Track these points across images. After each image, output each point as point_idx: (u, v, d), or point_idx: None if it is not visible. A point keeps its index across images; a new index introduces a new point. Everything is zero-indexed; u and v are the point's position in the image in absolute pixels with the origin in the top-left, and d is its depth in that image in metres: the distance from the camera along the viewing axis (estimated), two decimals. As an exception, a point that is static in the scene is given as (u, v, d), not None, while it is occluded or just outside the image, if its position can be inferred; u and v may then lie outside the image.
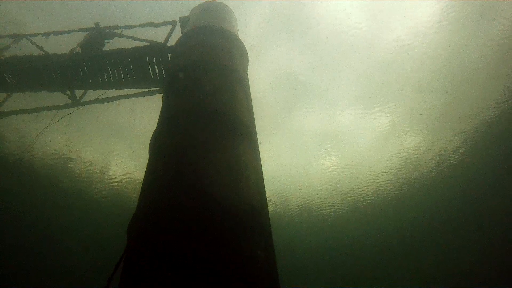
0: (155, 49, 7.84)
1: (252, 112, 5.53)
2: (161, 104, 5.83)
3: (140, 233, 3.29)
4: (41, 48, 8.82)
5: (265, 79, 23.97)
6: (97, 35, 8.86)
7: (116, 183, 22.75)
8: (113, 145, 22.61)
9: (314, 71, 24.43)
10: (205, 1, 9.39)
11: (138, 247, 3.12)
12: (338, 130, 24.60)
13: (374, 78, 23.38)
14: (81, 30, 9.88)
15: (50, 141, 19.69)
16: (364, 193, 25.73)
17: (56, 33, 10.11)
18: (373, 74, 23.40)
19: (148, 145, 4.88)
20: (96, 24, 9.39)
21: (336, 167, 25.17)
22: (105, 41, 9.02)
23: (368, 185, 25.35)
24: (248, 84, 6.25)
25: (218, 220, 3.18)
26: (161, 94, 8.50)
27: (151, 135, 4.94)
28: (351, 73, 24.10)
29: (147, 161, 4.60)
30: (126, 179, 22.78)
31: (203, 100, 4.89)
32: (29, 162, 19.82)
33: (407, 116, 23.19)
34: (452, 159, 23.60)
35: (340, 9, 23.31)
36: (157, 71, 8.15)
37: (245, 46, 7.19)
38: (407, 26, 21.63)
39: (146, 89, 8.64)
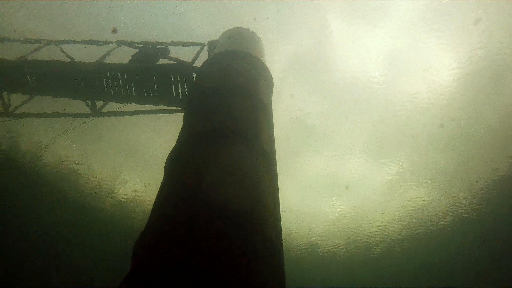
0: (182, 68, 7.83)
1: (274, 140, 5.41)
2: (177, 124, 5.75)
3: (151, 250, 3.12)
4: (68, 55, 8.90)
5: (277, 119, 24.08)
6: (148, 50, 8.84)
7: (123, 200, 22.63)
8: (123, 162, 22.62)
9: (326, 116, 24.58)
10: (235, 27, 9.46)
11: (149, 264, 2.96)
12: (346, 176, 24.50)
13: (387, 127, 23.44)
14: (106, 42, 10.01)
15: (62, 149, 19.77)
16: (370, 239, 25.22)
17: (84, 42, 10.24)
18: (385, 123, 23.47)
19: (164, 163, 4.76)
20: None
21: (342, 211, 24.92)
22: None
23: (374, 232, 24.89)
24: (271, 112, 6.16)
25: (235, 244, 3.04)
26: (179, 114, 8.51)
27: (165, 155, 4.85)
28: (363, 122, 24.20)
29: (161, 180, 4.47)
30: (133, 197, 22.68)
31: (226, 122, 4.79)
32: (38, 167, 19.84)
33: (418, 167, 23.03)
34: (464, 211, 23.16)
35: (359, 59, 23.72)
36: (180, 90, 8.13)
37: (272, 74, 7.15)
38: (424, 81, 21.84)
39: (166, 107, 8.61)
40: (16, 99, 10.23)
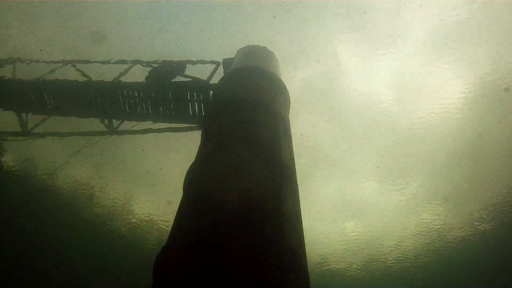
0: (198, 85, 7.84)
1: (293, 153, 5.34)
2: (194, 141, 5.72)
3: (173, 266, 3.07)
4: (84, 73, 8.99)
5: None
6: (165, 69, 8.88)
7: (134, 222, 22.60)
8: (137, 183, 22.70)
9: (336, 141, 24.58)
10: (250, 45, 9.49)
11: (171, 279, 2.89)
12: (357, 199, 24.40)
13: (397, 152, 23.41)
14: (122, 62, 10.11)
15: (78, 169, 19.92)
16: (386, 257, 24.82)
17: (100, 62, 10.37)
18: (396, 149, 23.45)
19: (184, 180, 4.71)
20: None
21: (356, 232, 24.69)
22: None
23: (390, 250, 24.51)
24: (289, 126, 6.11)
25: (259, 259, 2.96)
26: (195, 132, 8.49)
27: (182, 173, 4.81)
28: (373, 147, 24.17)
29: (180, 198, 4.41)
30: (146, 219, 22.67)
31: (245, 136, 4.75)
32: (54, 187, 19.95)
33: (430, 191, 22.93)
34: (480, 231, 22.86)
35: (369, 84, 23.84)
36: (196, 107, 8.12)
37: (288, 89, 7.12)
38: (433, 107, 21.88)
39: (182, 125, 8.60)
40: (33, 118, 10.34)
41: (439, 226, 23.37)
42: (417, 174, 23.08)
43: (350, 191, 24.54)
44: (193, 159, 5.01)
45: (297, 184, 4.72)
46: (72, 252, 19.64)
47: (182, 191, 4.59)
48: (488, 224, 22.57)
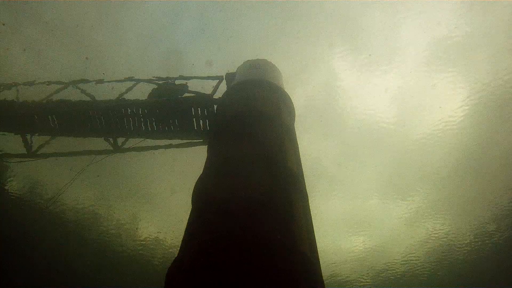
0: (202, 100, 7.85)
1: (301, 163, 5.32)
2: (199, 156, 5.71)
3: (184, 278, 3.03)
4: (87, 94, 9.02)
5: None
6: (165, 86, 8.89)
7: (142, 244, 22.49)
8: (143, 203, 22.66)
9: (340, 162, 24.59)
10: (252, 59, 9.53)
11: None
12: (363, 214, 24.35)
13: (401, 166, 23.43)
14: (125, 80, 10.11)
15: (83, 190, 19.88)
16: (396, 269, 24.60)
17: (102, 81, 10.38)
18: (400, 163, 23.49)
19: (192, 193, 4.70)
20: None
21: (361, 247, 24.61)
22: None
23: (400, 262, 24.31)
24: (296, 136, 6.09)
25: (270, 264, 2.92)
26: (201, 147, 8.48)
27: (189, 189, 4.81)
28: (377, 163, 24.17)
29: (189, 212, 4.39)
30: (153, 237, 22.56)
31: (251, 147, 4.73)
32: (58, 209, 19.87)
33: (435, 203, 22.93)
34: (489, 241, 22.69)
35: (370, 101, 23.95)
36: (201, 122, 8.11)
37: (292, 100, 7.12)
38: (436, 118, 22.00)
39: (187, 140, 8.59)
40: (36, 140, 10.34)
41: (446, 235, 23.25)
42: (421, 187, 23.06)
43: (355, 206, 24.51)
44: (200, 173, 4.99)
45: (306, 192, 4.70)
46: (78, 274, 19.47)
47: (190, 204, 4.57)
48: (494, 226, 22.45)
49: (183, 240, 3.71)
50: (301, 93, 24.99)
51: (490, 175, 21.56)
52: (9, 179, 18.67)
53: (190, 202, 4.63)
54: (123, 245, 22.19)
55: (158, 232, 22.57)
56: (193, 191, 4.70)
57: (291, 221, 3.59)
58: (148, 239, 22.68)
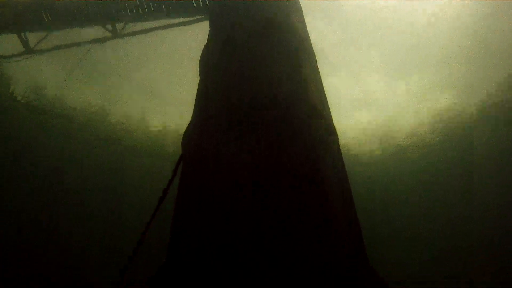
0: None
1: (324, 95, 4.01)
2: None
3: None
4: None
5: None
6: None
7: (154, 132, 22.63)
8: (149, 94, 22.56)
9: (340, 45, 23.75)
10: None
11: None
12: (366, 92, 24.38)
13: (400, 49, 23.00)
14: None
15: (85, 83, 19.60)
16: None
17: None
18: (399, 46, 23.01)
19: (182, 139, 3.55)
20: None
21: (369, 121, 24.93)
22: None
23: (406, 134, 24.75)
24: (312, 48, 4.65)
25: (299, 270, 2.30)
26: (201, 23, 8.12)
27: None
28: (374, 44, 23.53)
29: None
30: (164, 127, 22.79)
31: (259, 9, 4.32)
32: (66, 110, 19.86)
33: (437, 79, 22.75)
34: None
35: None
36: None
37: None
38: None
39: (187, 19, 8.23)
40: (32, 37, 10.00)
41: (450, 107, 23.32)
42: (420, 66, 22.81)
43: (358, 85, 24.51)
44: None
45: (338, 145, 3.42)
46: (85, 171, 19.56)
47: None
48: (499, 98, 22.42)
49: (171, 237, 2.81)
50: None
51: (492, 50, 21.16)
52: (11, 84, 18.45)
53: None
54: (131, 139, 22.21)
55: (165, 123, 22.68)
56: (183, 139, 3.58)
57: (322, 200, 2.60)
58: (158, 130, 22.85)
